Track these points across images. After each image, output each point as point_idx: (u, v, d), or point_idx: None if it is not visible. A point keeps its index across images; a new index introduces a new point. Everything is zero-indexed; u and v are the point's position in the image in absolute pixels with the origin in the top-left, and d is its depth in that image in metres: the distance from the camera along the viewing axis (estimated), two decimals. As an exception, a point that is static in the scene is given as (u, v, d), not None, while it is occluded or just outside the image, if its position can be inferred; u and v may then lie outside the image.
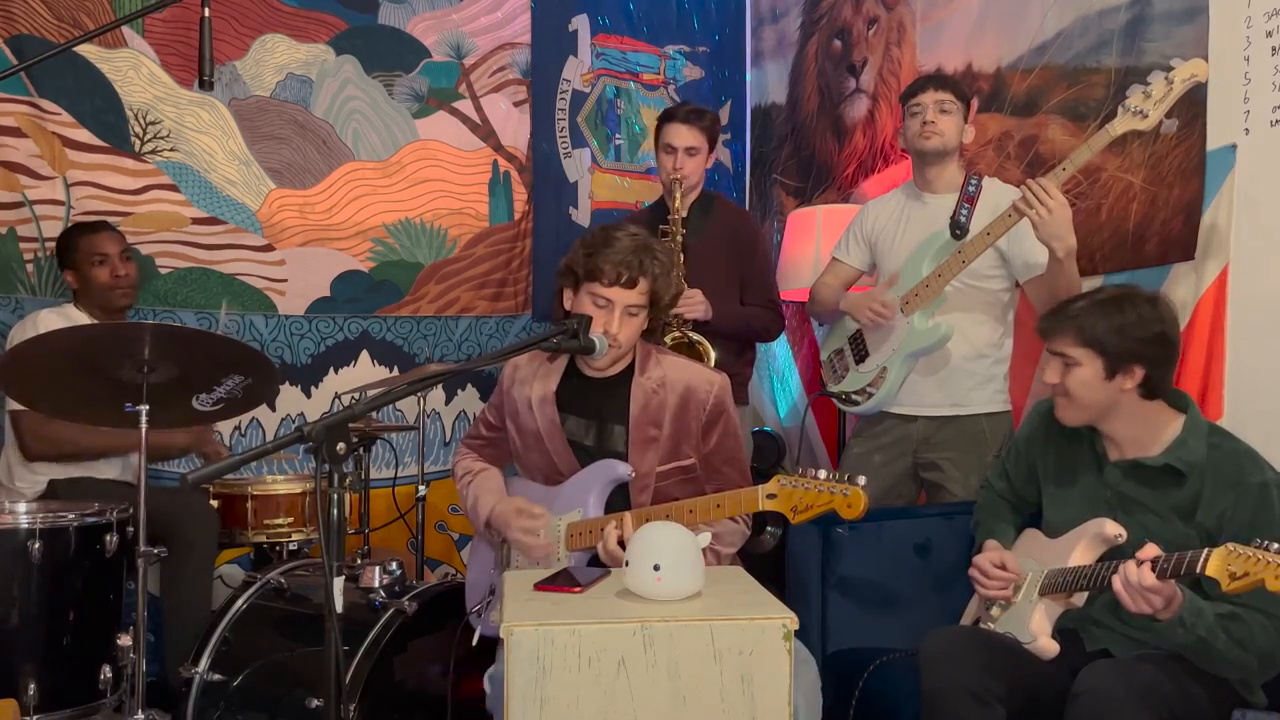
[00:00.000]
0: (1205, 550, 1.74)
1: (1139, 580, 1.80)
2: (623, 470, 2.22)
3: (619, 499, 2.25)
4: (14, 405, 2.98)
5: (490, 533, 2.33)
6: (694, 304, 3.06)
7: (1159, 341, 2.04)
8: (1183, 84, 2.34)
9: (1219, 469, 1.98)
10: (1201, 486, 1.99)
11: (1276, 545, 1.65)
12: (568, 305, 2.26)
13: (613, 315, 2.18)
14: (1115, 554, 1.96)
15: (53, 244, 3.43)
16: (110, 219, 3.48)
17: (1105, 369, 2.03)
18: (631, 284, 2.18)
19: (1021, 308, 2.92)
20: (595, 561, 2.19)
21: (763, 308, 3.29)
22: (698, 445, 2.28)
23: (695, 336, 3.07)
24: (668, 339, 3.02)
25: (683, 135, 3.17)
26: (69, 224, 3.39)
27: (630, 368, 2.29)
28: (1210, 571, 1.72)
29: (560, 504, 2.27)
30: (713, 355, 3.03)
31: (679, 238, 3.12)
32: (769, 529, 3.42)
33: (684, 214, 3.14)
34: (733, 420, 2.32)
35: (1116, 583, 1.85)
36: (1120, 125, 2.40)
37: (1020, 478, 2.34)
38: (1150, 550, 1.83)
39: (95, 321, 3.13)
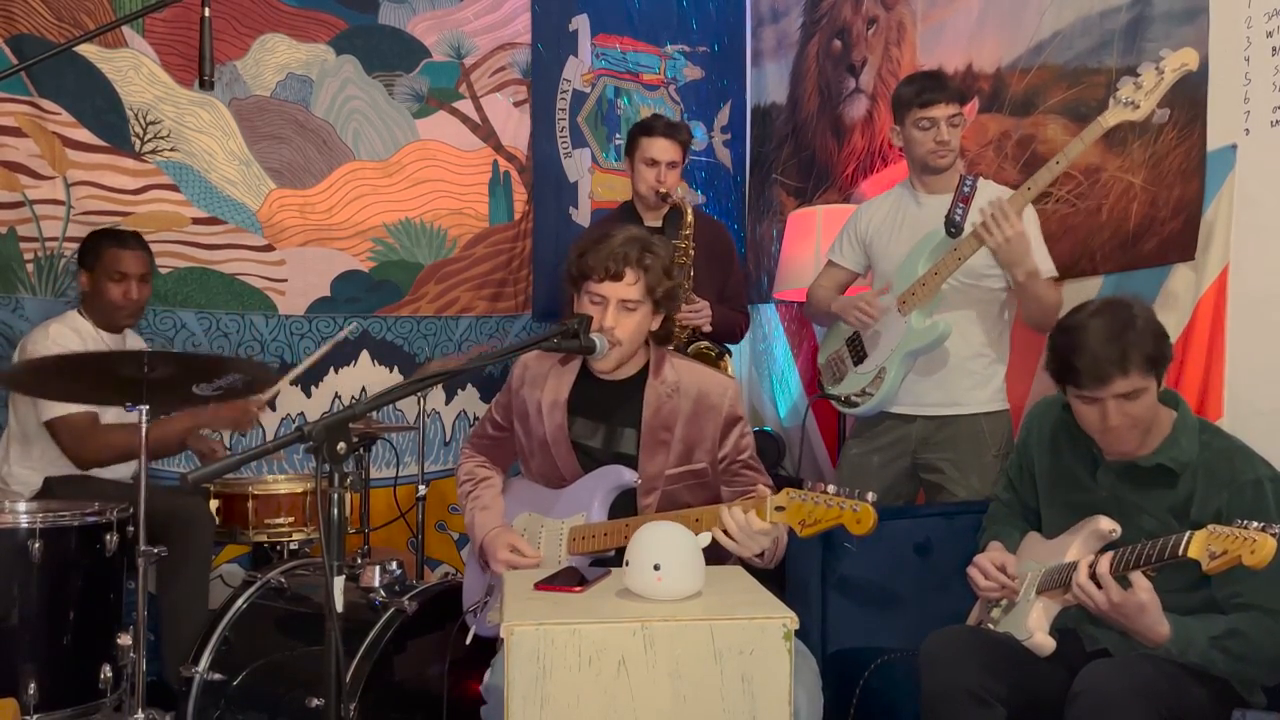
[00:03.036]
0: (1188, 533, 1.75)
1: (1097, 570, 1.87)
2: (628, 477, 2.22)
3: (625, 503, 2.25)
4: (52, 414, 2.97)
5: (482, 558, 2.32)
6: (703, 314, 3.22)
7: (1169, 339, 2.04)
8: (1173, 73, 2.34)
9: (1211, 467, 1.98)
10: (1194, 485, 1.99)
11: (1255, 523, 1.66)
12: (577, 310, 2.26)
13: (607, 310, 2.18)
14: (1111, 549, 1.96)
15: (53, 244, 3.44)
16: (110, 219, 3.49)
17: (1157, 384, 2.00)
18: (618, 276, 2.16)
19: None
20: (596, 563, 2.19)
21: (740, 312, 3.52)
22: (712, 450, 2.27)
23: (705, 346, 3.20)
24: (690, 350, 3.15)
25: (666, 150, 3.29)
26: (101, 228, 3.31)
27: (644, 371, 2.28)
28: (1192, 553, 1.73)
29: (563, 507, 2.26)
30: (731, 367, 3.08)
31: (691, 252, 3.24)
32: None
33: (690, 230, 3.25)
34: (747, 423, 2.33)
35: (1075, 581, 1.91)
36: (1112, 117, 2.41)
37: (1024, 485, 2.33)
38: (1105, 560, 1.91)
39: (99, 329, 3.14)
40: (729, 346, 3.53)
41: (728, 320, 3.38)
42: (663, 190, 3.25)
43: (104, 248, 3.15)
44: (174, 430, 3.08)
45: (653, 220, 3.36)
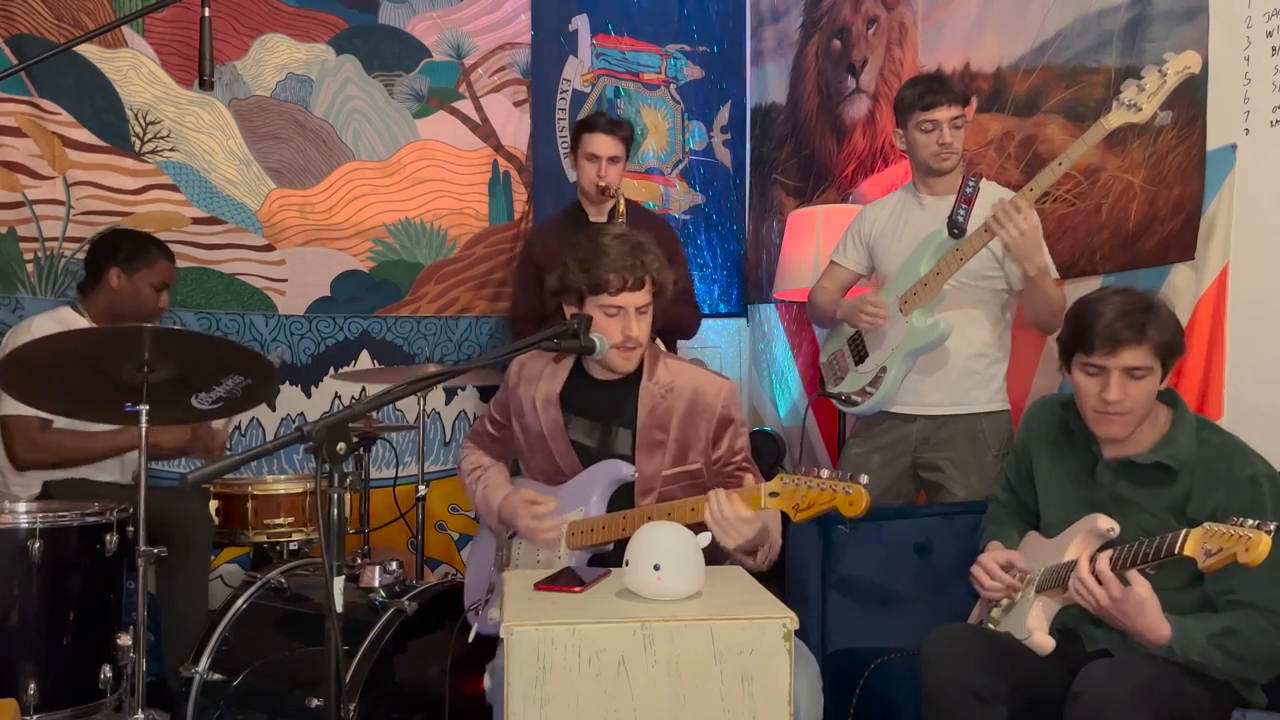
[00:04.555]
0: (1184, 531, 1.75)
1: (1097, 567, 1.86)
2: (626, 471, 2.22)
3: (623, 501, 2.25)
4: (6, 411, 2.95)
5: (503, 527, 2.34)
6: None
7: (1183, 334, 2.06)
8: (1176, 76, 2.34)
9: (1209, 465, 1.99)
10: (1192, 483, 1.99)
11: (1251, 520, 1.66)
12: (569, 317, 2.25)
13: (628, 320, 2.19)
14: (1109, 548, 1.96)
15: (53, 244, 3.44)
16: (110, 219, 3.49)
17: (1163, 372, 2.01)
18: (639, 285, 2.18)
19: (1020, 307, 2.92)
20: (595, 561, 2.19)
21: (689, 305, 3.59)
22: (706, 451, 2.28)
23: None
24: None
25: (606, 145, 3.39)
26: (109, 230, 3.31)
27: (638, 371, 2.29)
28: (1188, 550, 1.73)
29: (563, 502, 2.27)
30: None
31: None
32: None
33: (621, 220, 3.29)
34: (742, 423, 2.33)
35: (1075, 577, 1.90)
36: (1114, 119, 2.41)
37: (1022, 485, 2.33)
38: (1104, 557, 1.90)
39: (93, 324, 3.10)
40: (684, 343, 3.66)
41: (670, 315, 3.38)
42: (602, 184, 3.36)
43: (156, 257, 3.16)
44: (128, 442, 3.04)
45: (597, 215, 3.46)
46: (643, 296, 2.20)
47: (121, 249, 3.13)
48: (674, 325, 3.48)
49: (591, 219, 3.44)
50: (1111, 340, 1.97)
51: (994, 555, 2.17)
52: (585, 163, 3.41)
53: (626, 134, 3.45)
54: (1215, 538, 1.70)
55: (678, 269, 3.48)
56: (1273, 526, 1.65)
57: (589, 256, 2.21)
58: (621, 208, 3.34)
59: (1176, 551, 1.75)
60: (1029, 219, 2.50)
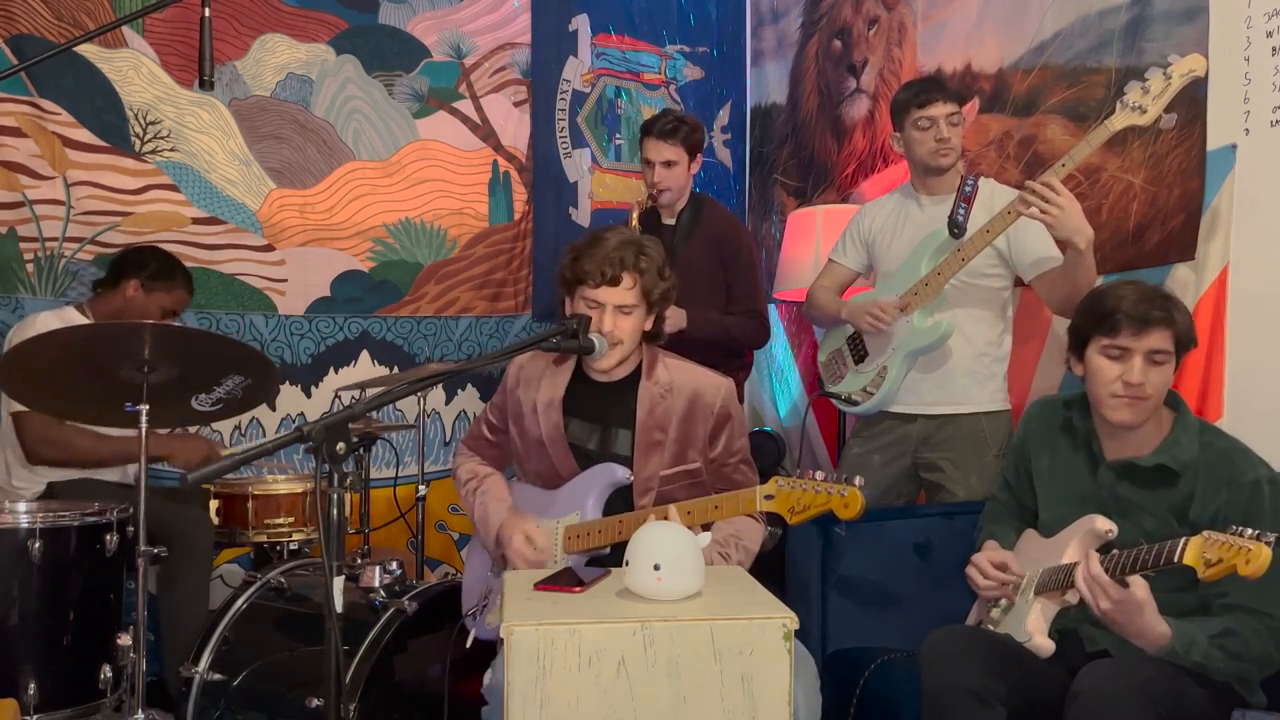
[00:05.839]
0: (1183, 539, 1.75)
1: (1090, 570, 1.86)
2: (621, 474, 2.22)
3: (621, 502, 2.25)
4: (17, 407, 2.97)
5: (498, 548, 2.33)
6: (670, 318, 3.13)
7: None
8: (1181, 79, 2.34)
9: (1211, 468, 1.98)
10: (1195, 486, 1.99)
11: (1250, 531, 1.67)
12: (568, 313, 2.26)
13: (604, 315, 2.18)
14: (1108, 550, 1.96)
15: (53, 244, 3.44)
16: (110, 219, 3.49)
17: (1176, 362, 2.02)
18: (615, 281, 2.17)
19: (1021, 307, 2.92)
20: (593, 563, 2.19)
21: (744, 316, 3.35)
22: (704, 449, 2.28)
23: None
24: None
25: (659, 150, 3.29)
26: (144, 244, 3.34)
27: (637, 372, 2.29)
28: (1187, 560, 1.73)
29: (559, 507, 2.27)
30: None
31: None
32: (769, 529, 3.42)
33: (639, 226, 3.26)
34: (740, 422, 2.33)
35: (1078, 576, 1.90)
36: (1119, 121, 2.40)
37: (1020, 485, 2.33)
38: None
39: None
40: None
41: (719, 325, 3.26)
42: (656, 190, 3.29)
43: (178, 285, 3.19)
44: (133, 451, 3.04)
45: (668, 217, 3.40)
46: (622, 295, 2.18)
47: (150, 265, 3.16)
48: (723, 336, 3.27)
49: (663, 221, 3.38)
50: (1140, 321, 1.98)
51: (988, 555, 2.17)
52: (645, 168, 3.34)
53: (684, 136, 3.29)
54: (1215, 548, 1.69)
55: (742, 270, 3.36)
56: (1272, 538, 1.65)
57: (583, 248, 2.22)
58: (634, 221, 3.26)
59: (1176, 560, 1.75)
60: (1066, 194, 2.41)
